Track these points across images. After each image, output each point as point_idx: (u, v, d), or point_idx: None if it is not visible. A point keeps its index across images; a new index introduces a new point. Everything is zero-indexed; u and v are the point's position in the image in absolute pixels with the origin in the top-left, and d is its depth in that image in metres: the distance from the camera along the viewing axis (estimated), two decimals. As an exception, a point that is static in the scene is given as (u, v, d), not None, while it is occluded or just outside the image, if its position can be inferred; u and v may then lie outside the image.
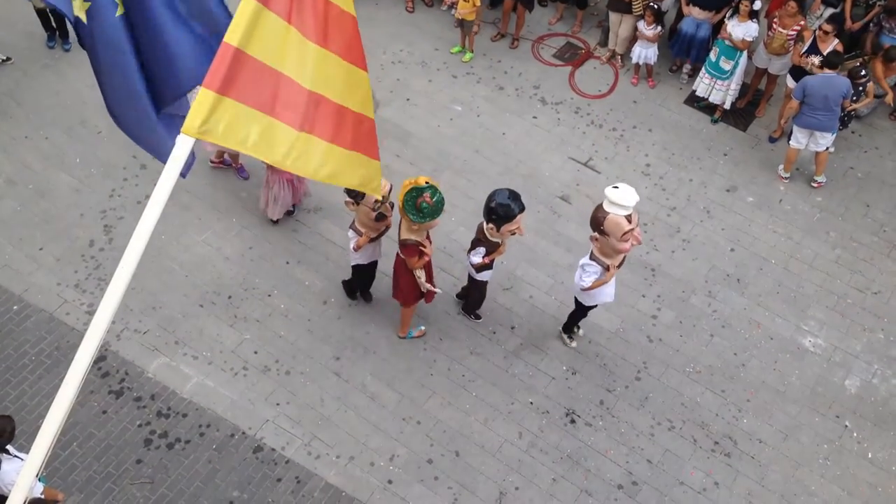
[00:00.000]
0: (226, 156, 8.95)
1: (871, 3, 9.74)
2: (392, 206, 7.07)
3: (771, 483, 7.15)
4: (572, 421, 7.44)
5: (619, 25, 10.25)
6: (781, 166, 9.39)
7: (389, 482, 7.01)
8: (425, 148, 9.48)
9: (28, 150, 9.16)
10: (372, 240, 7.20)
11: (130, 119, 4.86)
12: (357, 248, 7.21)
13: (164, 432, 7.19)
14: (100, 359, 7.52)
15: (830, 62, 8.48)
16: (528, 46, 10.89)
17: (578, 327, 7.89)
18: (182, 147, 3.37)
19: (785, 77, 9.54)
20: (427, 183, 6.50)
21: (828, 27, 8.80)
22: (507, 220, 6.68)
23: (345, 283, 8.09)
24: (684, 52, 10.17)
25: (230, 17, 3.69)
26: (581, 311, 7.49)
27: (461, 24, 10.39)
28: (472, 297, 7.81)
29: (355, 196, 6.72)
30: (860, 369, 7.89)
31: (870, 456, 7.35)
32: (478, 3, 10.01)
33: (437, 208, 6.54)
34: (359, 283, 7.95)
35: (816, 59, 8.86)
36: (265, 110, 3.62)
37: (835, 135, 8.88)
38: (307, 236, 8.50)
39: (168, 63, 4.32)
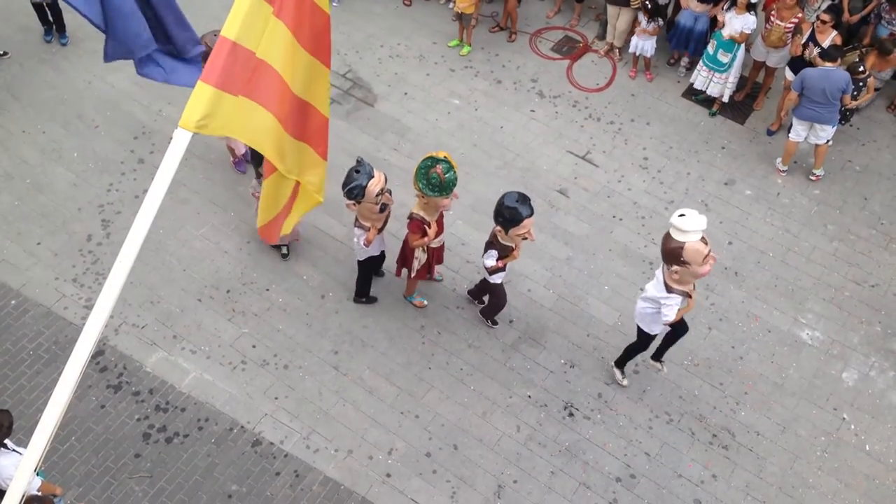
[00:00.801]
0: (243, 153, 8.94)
1: None
2: (391, 193, 7.09)
3: (769, 475, 7.17)
4: (570, 414, 7.45)
5: (617, 18, 10.24)
6: (779, 159, 9.39)
7: (388, 475, 7.03)
8: (423, 141, 9.47)
9: (25, 145, 9.14)
10: (379, 230, 7.24)
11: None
12: (368, 243, 7.19)
13: (162, 426, 7.20)
14: (98, 353, 7.53)
15: (829, 55, 8.46)
16: (526, 40, 10.87)
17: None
18: (180, 141, 3.37)
19: (784, 70, 9.53)
20: (445, 157, 6.50)
21: (826, 17, 8.79)
22: (515, 224, 6.54)
23: (358, 288, 7.96)
24: (682, 44, 10.16)
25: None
26: (643, 343, 7.11)
27: (459, 17, 10.37)
28: (490, 302, 7.72)
29: (355, 196, 6.69)
30: (858, 362, 7.91)
31: (867, 448, 7.37)
32: (476, -4, 10.01)
33: (446, 185, 6.51)
34: (367, 276, 7.87)
35: (816, 51, 8.86)
36: (263, 103, 3.61)
37: (835, 128, 8.87)
38: (305, 230, 8.49)
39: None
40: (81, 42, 10.23)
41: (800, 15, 9.18)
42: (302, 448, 7.14)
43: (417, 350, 7.77)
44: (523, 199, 6.52)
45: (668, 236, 6.07)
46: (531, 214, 6.55)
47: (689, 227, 5.91)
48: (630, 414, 7.47)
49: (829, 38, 8.86)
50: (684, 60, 10.45)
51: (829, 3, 9.63)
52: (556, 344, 7.88)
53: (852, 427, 7.49)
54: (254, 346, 7.71)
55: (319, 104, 4.54)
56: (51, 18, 10.06)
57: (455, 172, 6.59)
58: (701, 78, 9.81)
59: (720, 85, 9.71)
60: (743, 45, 9.41)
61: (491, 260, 6.96)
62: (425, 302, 8.02)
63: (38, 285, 8.00)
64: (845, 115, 9.13)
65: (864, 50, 9.58)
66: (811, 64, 8.90)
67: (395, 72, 10.28)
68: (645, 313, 6.75)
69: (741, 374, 7.77)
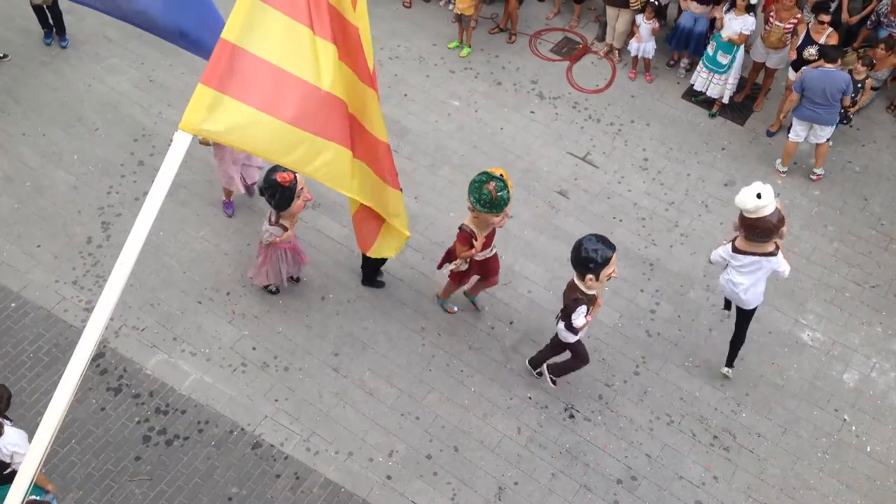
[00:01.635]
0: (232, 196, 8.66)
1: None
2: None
3: (770, 477, 7.16)
4: (571, 416, 7.44)
5: (617, 20, 10.24)
6: (779, 160, 9.39)
7: (388, 477, 7.02)
8: (423, 143, 9.47)
9: (25, 148, 9.14)
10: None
11: None
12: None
13: (162, 429, 7.19)
14: (98, 356, 7.52)
15: (829, 56, 8.45)
16: (526, 41, 10.88)
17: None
18: (179, 144, 3.36)
19: (786, 70, 9.53)
20: (501, 175, 6.47)
21: (823, 17, 8.79)
22: (606, 264, 6.31)
23: (365, 276, 8.10)
24: (682, 46, 10.17)
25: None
26: (747, 322, 7.26)
27: (459, 18, 10.38)
28: (571, 362, 7.26)
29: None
30: (858, 363, 7.90)
31: (868, 450, 7.36)
32: (475, -2, 10.01)
33: (497, 203, 6.49)
34: (374, 263, 7.89)
35: (814, 50, 8.86)
36: (267, 110, 3.58)
37: (833, 128, 8.87)
38: (305, 232, 8.48)
39: None
40: (81, 45, 10.23)
41: (799, 16, 9.18)
42: (302, 450, 7.13)
43: (418, 352, 7.77)
44: (600, 237, 6.36)
45: (758, 219, 6.43)
46: (614, 248, 6.41)
47: (766, 199, 6.33)
48: (631, 415, 7.47)
49: (825, 37, 8.86)
50: (684, 62, 10.46)
51: (821, 2, 9.60)
52: (557, 345, 7.87)
53: (853, 428, 7.49)
54: (254, 348, 7.71)
55: (373, 127, 4.58)
56: (51, 21, 10.06)
57: (509, 192, 6.51)
58: (701, 79, 9.82)
59: (720, 86, 9.71)
60: (742, 47, 9.42)
61: (581, 318, 6.56)
62: (455, 308, 8.02)
63: (38, 288, 8.00)
64: (847, 117, 9.14)
65: (860, 52, 9.59)
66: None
67: (394, 73, 10.29)
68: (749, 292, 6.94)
69: (742, 375, 7.76)
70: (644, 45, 10.04)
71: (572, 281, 6.60)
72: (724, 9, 9.37)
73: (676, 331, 8.01)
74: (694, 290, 8.30)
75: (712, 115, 10.03)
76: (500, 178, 6.48)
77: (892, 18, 9.42)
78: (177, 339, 7.74)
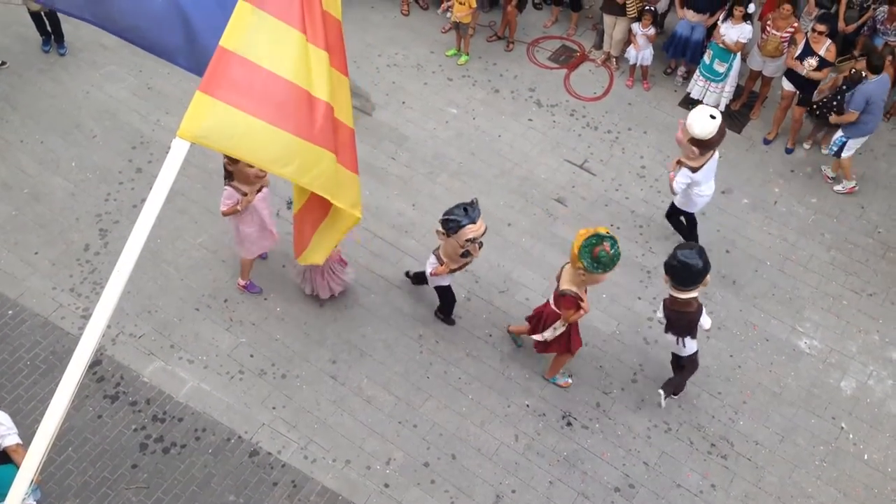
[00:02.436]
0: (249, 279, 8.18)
1: (864, 5, 9.77)
2: (481, 246, 6.97)
3: (767, 485, 7.15)
4: (569, 424, 7.44)
5: (614, 28, 10.27)
6: (829, 170, 9.45)
7: (386, 486, 7.00)
8: (421, 151, 9.48)
9: (23, 155, 9.14)
10: (451, 271, 7.18)
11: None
12: (434, 275, 7.22)
13: (159, 437, 7.17)
14: (95, 363, 7.51)
15: (876, 67, 8.44)
16: (524, 49, 10.90)
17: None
18: (178, 151, 3.37)
19: (780, 80, 9.55)
20: (607, 233, 6.34)
21: (820, 27, 8.82)
22: (708, 269, 6.49)
23: (438, 310, 7.93)
24: (679, 54, 10.20)
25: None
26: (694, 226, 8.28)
27: (457, 26, 10.40)
28: (681, 378, 7.42)
29: (448, 228, 6.62)
30: (856, 371, 7.91)
31: (866, 458, 7.36)
32: (473, 6, 10.03)
33: (614, 260, 6.33)
34: (448, 297, 7.69)
35: (814, 61, 8.89)
36: (264, 117, 3.58)
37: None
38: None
39: None
40: (79, 52, 10.25)
41: (795, 25, 9.22)
42: (300, 458, 7.12)
43: (415, 359, 7.76)
44: (698, 251, 6.48)
45: (698, 140, 7.26)
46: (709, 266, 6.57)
47: (704, 115, 7.24)
48: (628, 423, 7.46)
49: (824, 47, 8.90)
50: (681, 70, 10.49)
51: (823, 11, 9.67)
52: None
53: (851, 436, 7.49)
54: (251, 356, 7.70)
55: (344, 116, 4.51)
56: (49, 28, 10.07)
57: (619, 246, 6.39)
58: (697, 87, 9.85)
59: (717, 94, 9.74)
60: (739, 55, 9.45)
61: (693, 343, 6.94)
62: (570, 381, 7.68)
63: (35, 295, 7.99)
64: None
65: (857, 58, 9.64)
66: (804, 77, 8.95)
67: (392, 81, 10.31)
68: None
69: (739, 382, 7.77)
70: (642, 52, 10.07)
71: (671, 296, 6.70)
72: (721, 18, 9.41)
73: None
74: (691, 298, 8.30)
75: (709, 123, 10.04)
76: (609, 236, 6.31)
77: (888, 26, 9.45)
78: (174, 346, 7.73)
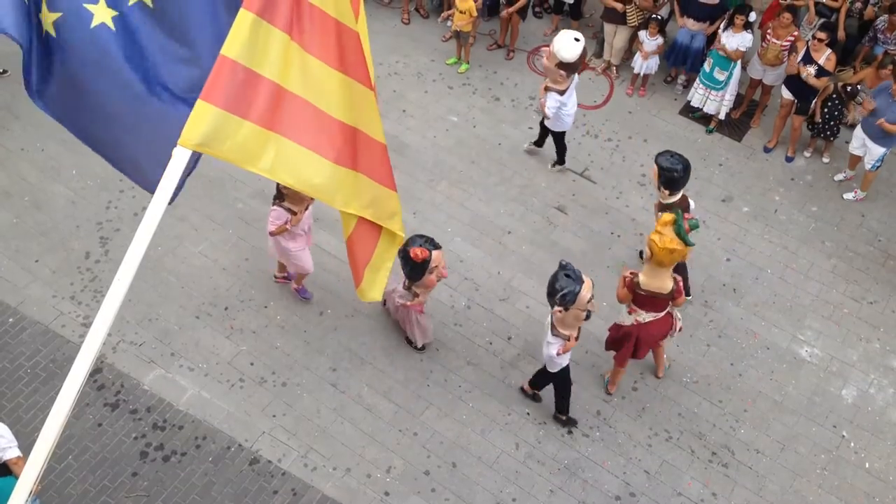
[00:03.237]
0: (289, 272, 8.09)
1: (864, 15, 9.80)
2: (592, 298, 6.47)
3: (769, 494, 7.14)
4: (569, 432, 7.43)
5: (614, 36, 10.30)
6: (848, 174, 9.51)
7: (386, 494, 6.99)
8: (421, 159, 9.50)
9: (24, 162, 9.15)
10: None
11: (124, 136, 4.71)
12: (562, 352, 6.64)
13: (159, 445, 7.16)
14: (95, 371, 7.50)
15: None
16: (524, 57, 10.93)
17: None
18: (178, 159, 3.37)
19: (780, 88, 9.57)
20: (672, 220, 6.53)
21: (821, 35, 8.85)
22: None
23: (559, 404, 7.35)
24: (679, 62, 10.22)
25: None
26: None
27: (457, 35, 10.43)
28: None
29: (567, 302, 6.24)
30: (857, 379, 7.90)
31: (867, 466, 7.34)
32: (474, 14, 10.06)
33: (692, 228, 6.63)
34: (567, 387, 7.20)
35: (812, 69, 8.91)
36: (264, 125, 3.59)
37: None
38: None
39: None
40: (81, 60, 10.26)
41: (795, 33, 9.24)
42: (300, 466, 7.10)
43: (416, 367, 7.76)
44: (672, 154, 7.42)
45: (580, 59, 8.22)
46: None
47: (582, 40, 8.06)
48: (629, 431, 7.45)
49: (824, 56, 8.92)
50: (681, 78, 10.51)
51: (824, 20, 9.71)
52: (555, 361, 7.85)
53: (852, 444, 7.47)
54: (252, 364, 7.69)
55: (372, 130, 4.50)
56: (50, 37, 10.08)
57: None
58: (698, 95, 9.87)
59: (717, 102, 9.76)
60: (739, 63, 9.47)
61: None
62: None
63: (35, 303, 7.99)
64: (833, 131, 9.23)
65: (856, 68, 9.67)
66: (806, 83, 8.96)
67: (393, 89, 10.33)
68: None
69: (740, 391, 7.76)
70: (648, 62, 10.08)
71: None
72: (722, 26, 9.44)
73: (674, 346, 8.00)
74: (692, 306, 8.29)
75: (709, 132, 10.07)
76: (678, 212, 6.59)
77: (888, 35, 9.48)
78: (175, 354, 7.72)
